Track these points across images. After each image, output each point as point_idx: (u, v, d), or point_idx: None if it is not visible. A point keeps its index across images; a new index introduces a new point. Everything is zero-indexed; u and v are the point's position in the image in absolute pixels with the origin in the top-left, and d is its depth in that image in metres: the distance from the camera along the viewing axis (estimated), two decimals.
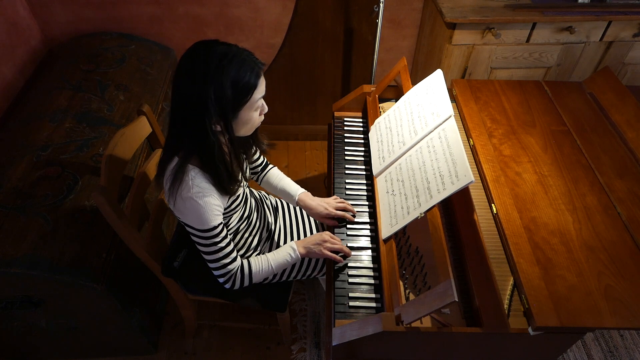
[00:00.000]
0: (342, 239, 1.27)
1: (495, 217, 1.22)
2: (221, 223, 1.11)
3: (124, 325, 1.50)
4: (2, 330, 1.46)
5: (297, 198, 1.37)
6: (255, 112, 1.04)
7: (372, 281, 1.18)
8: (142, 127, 1.36)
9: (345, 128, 1.63)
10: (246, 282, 1.20)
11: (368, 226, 1.31)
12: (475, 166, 1.38)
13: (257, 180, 1.44)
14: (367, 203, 1.38)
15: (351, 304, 1.13)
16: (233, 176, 1.08)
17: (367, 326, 1.01)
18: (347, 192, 1.41)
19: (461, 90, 1.61)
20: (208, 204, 1.04)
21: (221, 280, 1.18)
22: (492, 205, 1.24)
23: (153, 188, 1.69)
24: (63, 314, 1.41)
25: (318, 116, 2.55)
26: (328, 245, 1.22)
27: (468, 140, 1.46)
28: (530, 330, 1.02)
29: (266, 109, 1.08)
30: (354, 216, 1.33)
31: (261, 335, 1.79)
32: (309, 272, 1.42)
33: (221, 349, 1.75)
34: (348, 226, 1.31)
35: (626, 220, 1.20)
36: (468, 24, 1.86)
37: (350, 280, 1.18)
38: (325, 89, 2.42)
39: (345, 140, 1.58)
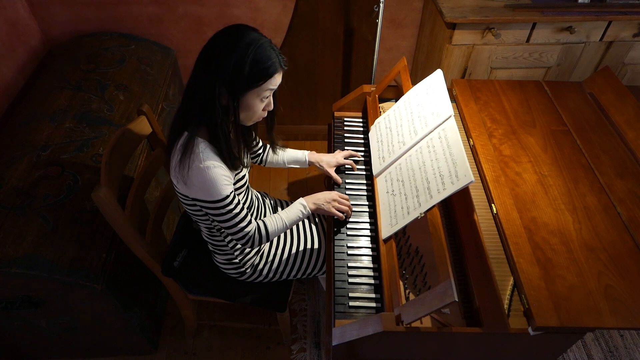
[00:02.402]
0: (341, 239, 1.28)
1: (495, 217, 1.22)
2: (232, 191, 1.13)
3: (124, 325, 1.50)
4: (2, 330, 1.46)
5: (307, 158, 1.47)
6: (260, 102, 1.07)
7: (372, 281, 1.18)
8: (142, 127, 1.35)
9: (345, 128, 1.63)
10: (264, 241, 1.24)
11: (368, 226, 1.31)
12: (475, 166, 1.38)
13: (262, 162, 1.47)
14: (367, 203, 1.38)
15: (351, 304, 1.13)
16: (234, 153, 1.11)
17: (367, 326, 1.01)
18: (347, 192, 1.41)
19: (461, 90, 1.61)
20: (219, 175, 1.07)
21: (241, 242, 1.21)
22: (492, 205, 1.24)
23: (153, 188, 1.69)
24: (63, 314, 1.41)
25: (318, 116, 2.55)
26: (336, 204, 1.29)
27: (468, 140, 1.46)
28: (530, 330, 1.02)
29: (271, 106, 1.12)
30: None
31: (261, 335, 1.80)
32: (309, 271, 1.42)
33: (221, 349, 1.75)
34: (348, 226, 1.31)
35: (626, 220, 1.20)
36: (468, 24, 1.86)
37: (350, 280, 1.18)
38: (325, 89, 2.42)
39: (345, 140, 1.58)
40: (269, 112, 1.16)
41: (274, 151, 1.41)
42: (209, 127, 1.06)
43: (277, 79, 1.05)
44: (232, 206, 1.12)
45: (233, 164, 1.12)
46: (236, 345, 1.76)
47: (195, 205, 1.14)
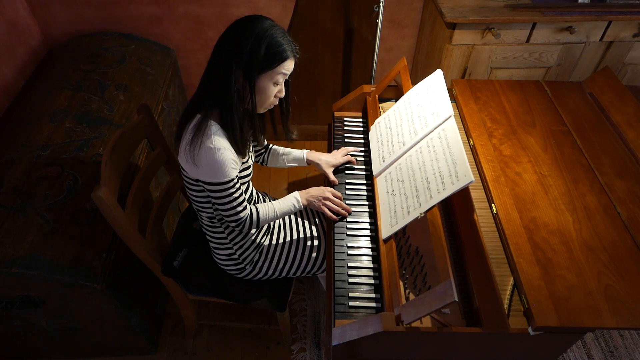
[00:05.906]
0: (341, 239, 1.28)
1: (495, 217, 1.22)
2: (237, 176, 1.17)
3: (124, 325, 1.50)
4: (2, 330, 1.46)
5: (305, 156, 1.48)
6: (273, 87, 1.13)
7: (372, 281, 1.18)
8: (142, 127, 1.36)
9: (345, 128, 1.63)
10: (254, 226, 1.28)
11: (368, 226, 1.31)
12: (475, 166, 1.38)
13: (263, 162, 1.50)
14: (367, 203, 1.38)
15: (351, 304, 1.13)
16: (244, 137, 1.15)
17: (367, 326, 1.02)
18: (347, 192, 1.41)
19: (461, 90, 1.61)
20: (227, 157, 1.11)
21: (233, 225, 1.25)
22: (492, 205, 1.24)
23: (153, 188, 1.69)
24: (63, 314, 1.41)
25: (318, 116, 2.55)
26: (329, 203, 1.32)
27: (468, 140, 1.46)
28: (530, 330, 1.02)
29: (282, 93, 1.17)
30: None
31: (261, 335, 1.80)
32: (308, 269, 1.42)
33: (221, 349, 1.75)
34: (348, 226, 1.31)
35: (626, 220, 1.20)
36: (468, 24, 1.86)
37: (350, 280, 1.18)
38: (325, 89, 2.42)
39: (345, 140, 1.58)
40: (284, 101, 1.22)
41: (288, 140, 1.44)
42: (222, 111, 1.11)
43: (289, 64, 1.12)
44: (233, 189, 1.16)
45: (242, 149, 1.16)
46: (236, 345, 1.76)
47: (199, 188, 1.18)
